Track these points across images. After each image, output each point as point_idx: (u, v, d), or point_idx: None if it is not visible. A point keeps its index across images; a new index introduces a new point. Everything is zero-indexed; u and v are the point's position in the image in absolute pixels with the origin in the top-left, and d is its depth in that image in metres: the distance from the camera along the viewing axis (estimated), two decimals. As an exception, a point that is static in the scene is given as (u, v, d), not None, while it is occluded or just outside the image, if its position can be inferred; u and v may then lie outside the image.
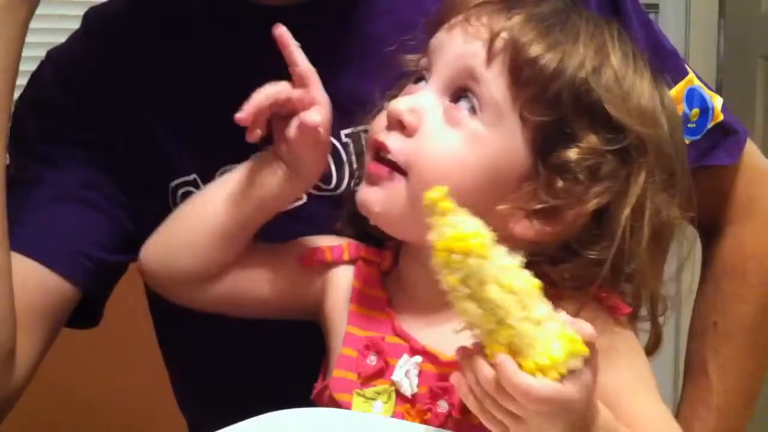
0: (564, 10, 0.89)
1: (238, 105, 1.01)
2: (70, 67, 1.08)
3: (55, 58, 1.10)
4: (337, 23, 1.02)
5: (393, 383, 0.86)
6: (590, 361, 0.74)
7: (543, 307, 0.73)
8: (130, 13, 1.09)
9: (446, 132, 0.86)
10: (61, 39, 1.13)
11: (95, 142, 1.06)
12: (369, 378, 0.87)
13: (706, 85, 1.12)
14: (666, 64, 1.08)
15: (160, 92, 1.05)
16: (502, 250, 0.73)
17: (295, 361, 0.95)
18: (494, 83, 0.85)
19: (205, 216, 0.94)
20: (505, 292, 0.72)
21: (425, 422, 0.84)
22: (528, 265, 0.74)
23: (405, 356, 0.87)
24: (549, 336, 0.72)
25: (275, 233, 0.98)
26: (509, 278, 0.72)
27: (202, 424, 1.01)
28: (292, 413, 0.83)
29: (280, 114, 0.91)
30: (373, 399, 0.86)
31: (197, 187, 1.03)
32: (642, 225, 0.85)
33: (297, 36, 1.00)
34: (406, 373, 0.86)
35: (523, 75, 0.84)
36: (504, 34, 0.85)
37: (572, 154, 0.83)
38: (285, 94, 0.89)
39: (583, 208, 0.84)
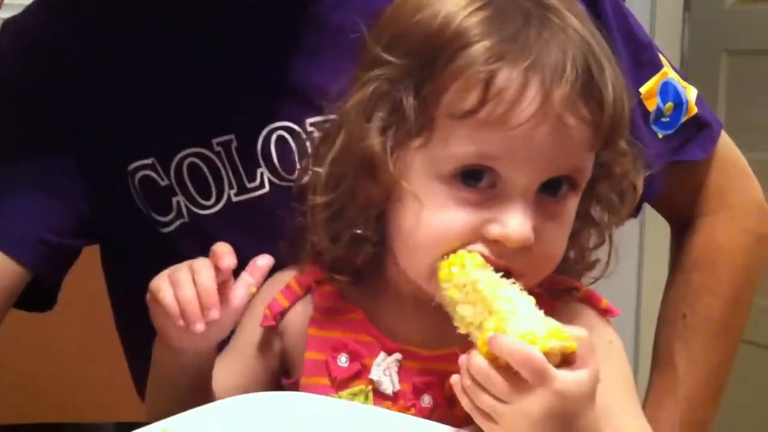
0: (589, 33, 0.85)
1: (199, 90, 1.00)
2: (29, 39, 1.05)
3: (12, 29, 1.07)
4: (301, 12, 1.00)
5: (371, 382, 0.86)
6: (588, 363, 0.74)
7: (529, 304, 0.77)
8: None
9: (556, 231, 0.83)
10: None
11: (53, 120, 1.04)
12: (344, 382, 0.86)
13: (680, 75, 1.12)
14: (642, 57, 1.09)
15: (121, 71, 1.03)
16: (490, 267, 0.80)
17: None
18: (591, 161, 0.84)
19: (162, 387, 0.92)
20: (495, 289, 0.78)
21: None
22: None
23: (382, 354, 0.86)
24: (534, 320, 0.75)
25: (241, 224, 0.98)
26: (499, 283, 0.79)
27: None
28: (271, 396, 0.83)
29: None
30: (350, 401, 0.86)
31: (155, 170, 1.02)
32: None
33: (261, 26, 0.99)
34: (385, 370, 0.86)
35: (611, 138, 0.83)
36: (606, 120, 0.81)
37: (604, 187, 0.87)
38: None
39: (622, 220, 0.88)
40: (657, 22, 2.69)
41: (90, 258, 1.12)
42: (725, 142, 1.14)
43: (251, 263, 0.87)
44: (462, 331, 0.79)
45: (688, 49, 2.72)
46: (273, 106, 0.99)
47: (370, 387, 0.86)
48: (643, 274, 2.72)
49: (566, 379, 0.73)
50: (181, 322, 0.82)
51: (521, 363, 0.73)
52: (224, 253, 0.83)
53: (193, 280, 0.82)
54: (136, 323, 1.11)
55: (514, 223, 0.80)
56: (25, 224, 1.02)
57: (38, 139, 1.04)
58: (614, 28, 1.06)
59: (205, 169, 1.02)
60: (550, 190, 0.82)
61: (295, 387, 0.89)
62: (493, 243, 0.80)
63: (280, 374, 0.93)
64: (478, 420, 0.75)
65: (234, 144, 1.01)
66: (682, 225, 1.15)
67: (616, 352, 0.87)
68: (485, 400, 0.74)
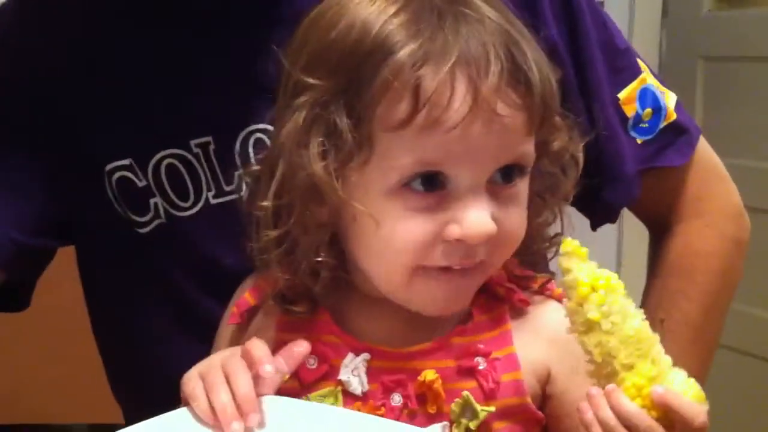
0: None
1: (177, 91, 0.99)
2: (0, 35, 1.04)
3: None
4: (278, 13, 0.99)
5: (339, 383, 0.85)
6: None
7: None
8: None
9: (515, 213, 0.83)
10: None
11: (26, 119, 1.03)
12: (313, 383, 0.86)
13: (659, 80, 1.12)
14: (620, 63, 1.09)
15: (98, 71, 1.02)
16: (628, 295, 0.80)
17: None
18: (532, 143, 0.83)
19: None
20: (647, 328, 0.79)
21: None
22: None
23: (350, 355, 0.86)
24: (681, 374, 0.79)
25: (219, 226, 0.98)
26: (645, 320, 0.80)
27: (135, 413, 0.99)
28: None
29: None
30: (318, 402, 0.85)
31: (133, 171, 1.01)
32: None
33: (239, 27, 0.98)
34: (353, 371, 0.85)
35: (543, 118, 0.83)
36: (537, 100, 0.81)
37: (546, 164, 0.86)
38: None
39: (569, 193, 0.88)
40: (635, 29, 2.71)
41: (62, 259, 1.12)
42: (703, 147, 1.14)
43: (287, 348, 0.85)
44: (596, 359, 0.78)
45: (666, 56, 2.74)
46: (251, 108, 0.98)
47: (339, 388, 0.85)
48: (621, 280, 2.72)
49: None
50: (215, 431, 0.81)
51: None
52: (262, 358, 0.82)
53: (228, 382, 0.81)
54: (112, 324, 1.10)
55: (472, 218, 0.80)
56: None
57: (7, 137, 1.03)
58: (592, 33, 1.07)
59: (183, 171, 1.01)
60: (501, 178, 0.82)
61: None
62: (455, 243, 0.80)
63: None
64: None
65: (212, 146, 1.00)
66: (661, 230, 1.15)
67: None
68: None
